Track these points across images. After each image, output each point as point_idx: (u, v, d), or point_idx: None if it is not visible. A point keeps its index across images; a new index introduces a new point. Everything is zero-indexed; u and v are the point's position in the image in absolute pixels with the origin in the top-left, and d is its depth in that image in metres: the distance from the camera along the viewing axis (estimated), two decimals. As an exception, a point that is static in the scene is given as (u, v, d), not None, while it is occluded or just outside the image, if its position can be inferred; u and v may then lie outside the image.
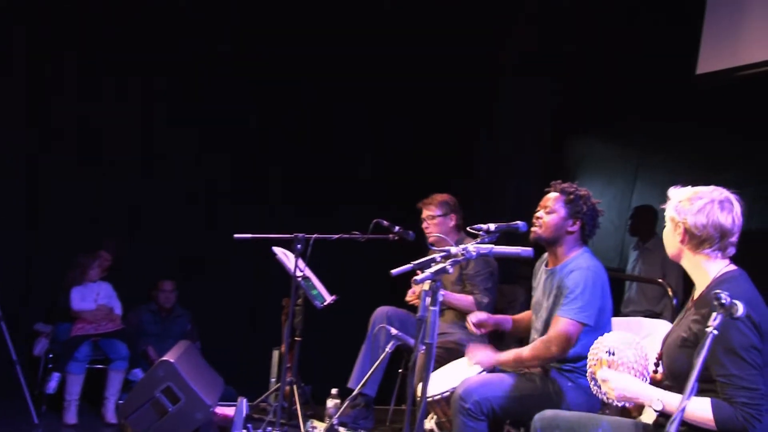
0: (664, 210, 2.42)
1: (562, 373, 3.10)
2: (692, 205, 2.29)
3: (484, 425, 2.99)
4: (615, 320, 3.54)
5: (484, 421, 2.99)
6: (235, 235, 4.07)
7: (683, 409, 1.85)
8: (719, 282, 2.26)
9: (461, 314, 3.98)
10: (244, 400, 3.94)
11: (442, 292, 3.50)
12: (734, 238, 2.31)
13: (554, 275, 3.16)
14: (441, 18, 5.67)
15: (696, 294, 2.36)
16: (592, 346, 2.48)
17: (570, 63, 5.47)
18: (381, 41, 5.66)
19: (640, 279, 5.22)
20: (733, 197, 2.32)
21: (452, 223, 4.20)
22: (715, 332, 1.88)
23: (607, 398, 2.33)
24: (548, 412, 2.62)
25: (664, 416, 2.24)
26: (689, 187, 2.39)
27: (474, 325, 3.31)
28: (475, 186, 5.59)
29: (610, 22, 5.27)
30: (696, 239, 2.30)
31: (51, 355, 4.81)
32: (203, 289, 5.52)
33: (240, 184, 5.69)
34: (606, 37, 5.30)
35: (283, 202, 5.71)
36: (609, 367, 2.34)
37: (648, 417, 2.44)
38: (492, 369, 3.25)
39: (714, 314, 1.91)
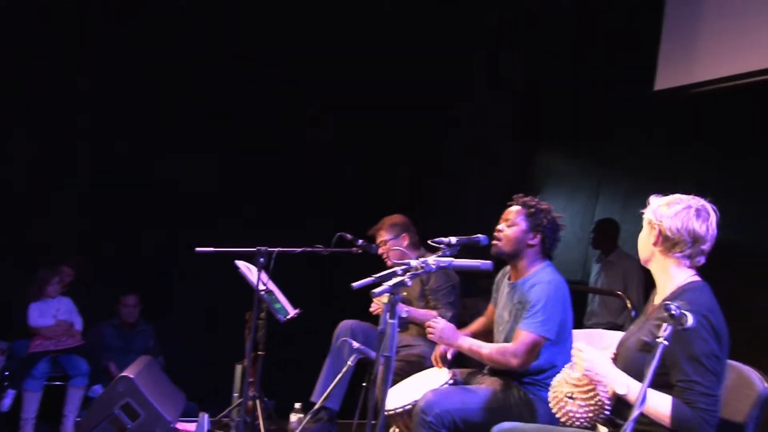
0: (632, 221, 2.48)
1: (524, 386, 3.12)
2: (669, 209, 2.37)
3: (446, 438, 3.00)
4: (576, 332, 3.57)
5: (446, 435, 3.00)
6: (197, 249, 4.03)
7: (642, 409, 1.88)
8: (683, 290, 2.33)
9: (424, 328, 3.99)
10: (206, 416, 3.91)
11: (406, 308, 3.54)
12: (706, 247, 2.38)
13: (516, 289, 3.19)
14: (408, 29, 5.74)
15: (658, 299, 2.41)
16: (558, 375, 2.47)
17: (532, 78, 5.55)
18: (347, 45, 5.69)
19: (600, 291, 5.30)
20: (710, 207, 2.40)
21: (405, 243, 4.20)
22: (666, 343, 1.92)
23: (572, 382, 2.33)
24: (506, 424, 2.64)
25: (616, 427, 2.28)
26: (671, 195, 2.47)
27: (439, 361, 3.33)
28: (439, 200, 5.63)
29: (572, 37, 5.37)
30: (669, 242, 2.36)
31: (7, 372, 4.71)
32: (166, 303, 5.48)
33: (203, 197, 5.65)
34: (568, 52, 5.39)
35: (248, 214, 5.68)
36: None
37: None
38: (454, 381, 3.27)
39: (664, 325, 1.95)
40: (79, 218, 5.47)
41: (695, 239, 2.35)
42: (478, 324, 3.55)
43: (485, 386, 3.18)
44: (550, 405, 2.42)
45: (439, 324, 3.16)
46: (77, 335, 4.92)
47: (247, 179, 5.71)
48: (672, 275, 2.38)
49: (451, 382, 3.24)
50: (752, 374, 2.43)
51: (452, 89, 5.71)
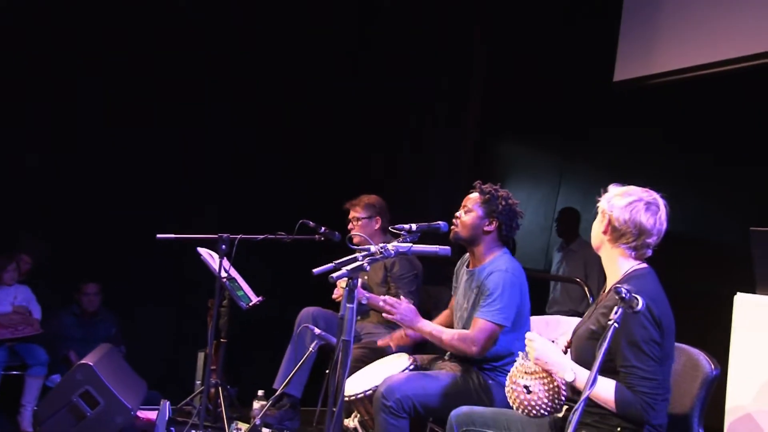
0: (592, 211, 2.53)
1: (483, 372, 3.17)
2: (621, 200, 2.42)
3: (406, 423, 3.04)
4: (534, 319, 3.65)
5: (406, 419, 3.04)
6: (158, 236, 4.00)
7: (588, 393, 1.93)
8: (629, 278, 2.39)
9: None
10: (167, 403, 3.87)
11: (366, 294, 3.56)
12: (652, 240, 2.43)
13: (474, 276, 3.23)
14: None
15: (607, 288, 2.47)
16: (513, 367, 2.50)
17: (496, 70, 5.60)
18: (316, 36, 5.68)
19: (561, 279, 5.39)
20: (661, 202, 2.46)
21: (377, 226, 4.24)
22: (616, 325, 1.98)
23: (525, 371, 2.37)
24: (464, 408, 2.69)
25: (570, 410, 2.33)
26: (618, 187, 2.52)
27: (397, 347, 3.37)
28: (402, 188, 5.65)
29: (535, 28, 5.43)
30: (616, 232, 2.42)
31: None
32: (128, 291, 5.37)
33: (165, 183, 5.57)
34: (530, 45, 5.45)
35: (209, 201, 5.60)
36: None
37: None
38: (415, 366, 3.30)
39: (615, 308, 2.00)
40: (39, 204, 5.32)
41: (641, 232, 2.40)
42: (442, 316, 3.58)
43: (445, 372, 3.23)
44: (508, 398, 2.46)
45: (400, 305, 3.16)
46: (36, 324, 4.83)
47: (209, 165, 5.65)
48: (619, 265, 2.45)
49: (411, 367, 3.29)
50: (700, 357, 2.51)
51: (419, 80, 5.73)
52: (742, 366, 2.90)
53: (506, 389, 2.44)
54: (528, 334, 2.41)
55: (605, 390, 2.26)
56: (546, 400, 2.33)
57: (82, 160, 5.42)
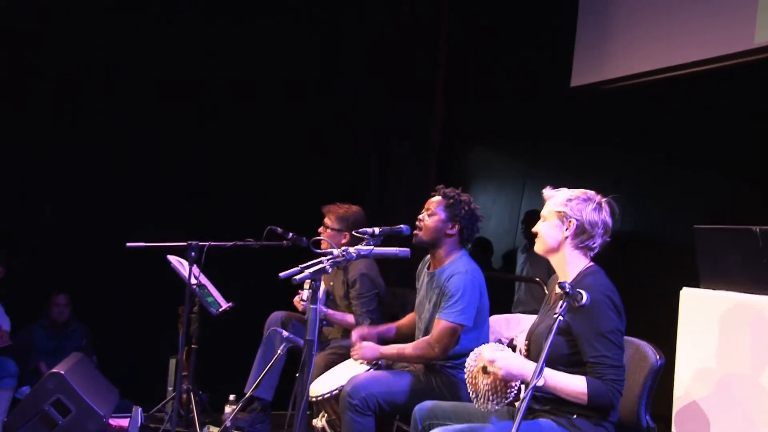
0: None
1: (444, 370, 3.28)
2: (587, 205, 2.55)
3: (371, 420, 3.14)
4: (495, 317, 3.78)
5: (371, 416, 3.13)
6: (128, 244, 4.05)
7: (535, 384, 2.06)
8: (584, 275, 2.53)
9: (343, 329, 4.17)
10: (139, 410, 3.93)
11: (325, 310, 3.65)
12: (608, 237, 2.60)
13: (435, 278, 3.33)
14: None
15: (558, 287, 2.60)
16: (470, 357, 2.62)
17: (459, 77, 5.73)
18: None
19: (524, 279, 5.53)
20: (609, 201, 2.63)
21: (344, 240, 4.17)
22: (561, 318, 2.10)
23: (493, 381, 2.46)
24: (427, 403, 2.79)
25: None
26: (564, 189, 2.65)
27: (358, 340, 3.47)
28: (369, 192, 5.75)
29: (496, 36, 5.57)
30: (585, 234, 2.56)
31: None
32: (97, 301, 5.39)
33: (131, 191, 5.60)
34: (492, 51, 5.59)
35: (178, 208, 5.64)
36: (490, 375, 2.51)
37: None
38: (378, 366, 3.40)
39: (560, 302, 2.13)
40: (6, 215, 5.31)
41: (606, 230, 2.57)
42: (408, 318, 3.68)
43: (408, 370, 3.34)
44: (469, 389, 2.58)
45: (359, 350, 3.38)
46: (5, 336, 4.82)
47: (178, 174, 5.67)
48: (575, 264, 2.58)
49: (375, 367, 3.39)
50: (647, 348, 2.65)
51: (384, 87, 5.83)
52: (689, 356, 3.05)
53: (467, 380, 2.56)
54: (489, 357, 2.45)
55: (577, 385, 2.38)
56: (496, 393, 2.46)
57: (49, 169, 5.42)
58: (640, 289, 3.94)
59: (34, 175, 5.40)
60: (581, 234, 2.56)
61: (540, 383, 2.36)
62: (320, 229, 4.31)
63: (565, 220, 2.57)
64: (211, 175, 5.70)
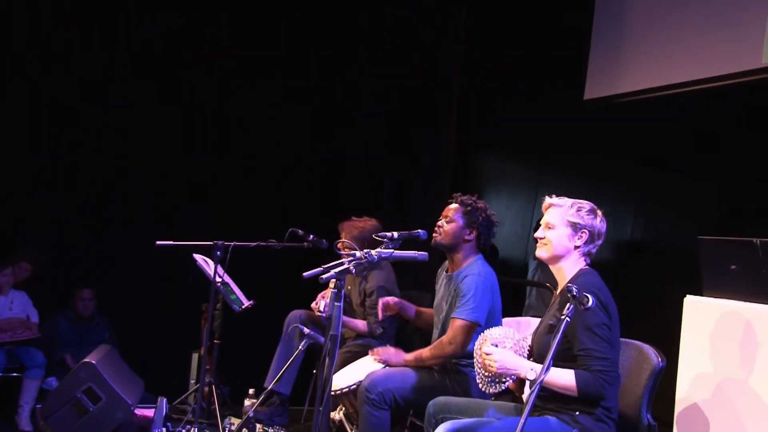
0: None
1: (457, 367, 3.44)
2: (596, 216, 2.76)
3: (387, 414, 3.31)
4: (508, 319, 3.94)
5: (387, 411, 3.31)
6: (158, 242, 4.21)
7: (542, 380, 2.23)
8: (578, 276, 2.71)
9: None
10: (164, 400, 4.09)
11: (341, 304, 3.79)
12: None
13: (452, 280, 3.50)
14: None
15: (559, 289, 2.77)
16: (478, 340, 2.83)
17: (475, 90, 5.89)
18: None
19: (534, 284, 5.66)
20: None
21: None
22: (568, 319, 2.27)
23: (486, 371, 2.66)
24: (441, 399, 2.97)
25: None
26: (565, 198, 2.81)
27: (382, 307, 3.62)
28: (388, 198, 5.92)
29: (512, 49, 5.72)
30: (591, 243, 2.75)
31: None
32: (121, 296, 5.53)
33: (158, 188, 5.75)
34: (509, 63, 5.74)
35: (202, 205, 5.78)
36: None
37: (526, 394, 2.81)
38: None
39: (568, 304, 2.29)
40: (36, 212, 5.45)
41: (602, 237, 2.78)
42: (429, 310, 3.83)
43: (424, 368, 3.50)
44: (476, 373, 2.76)
45: (386, 351, 3.55)
46: (34, 328, 4.96)
47: (201, 173, 5.83)
48: (574, 268, 2.76)
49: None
50: (650, 351, 2.81)
51: (404, 101, 5.98)
52: (690, 361, 3.20)
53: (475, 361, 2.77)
54: (485, 349, 2.69)
55: (566, 378, 2.56)
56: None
57: (77, 167, 5.56)
58: (646, 296, 4.10)
59: (62, 173, 5.56)
60: (589, 243, 2.74)
61: (531, 377, 2.55)
62: (339, 245, 4.46)
63: (577, 230, 2.73)
64: (233, 178, 5.89)
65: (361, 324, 4.30)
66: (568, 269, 2.76)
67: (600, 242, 2.78)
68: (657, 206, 4.60)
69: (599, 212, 2.80)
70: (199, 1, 5.77)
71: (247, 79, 5.88)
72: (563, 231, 2.75)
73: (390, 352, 3.56)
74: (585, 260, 2.77)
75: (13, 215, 5.36)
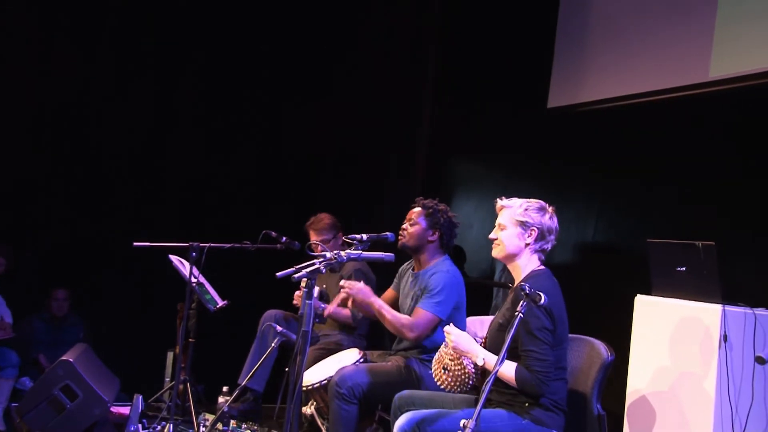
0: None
1: (423, 363, 3.61)
2: (544, 213, 2.90)
3: (356, 408, 3.46)
4: (470, 319, 4.11)
5: (356, 405, 3.46)
6: (135, 243, 4.33)
7: (496, 372, 2.40)
8: (531, 276, 2.87)
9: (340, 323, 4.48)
10: (140, 397, 4.16)
11: (329, 307, 3.95)
12: (555, 241, 2.96)
13: (418, 278, 3.68)
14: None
15: (515, 286, 2.95)
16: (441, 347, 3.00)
17: (445, 95, 6.09)
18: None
19: (499, 285, 5.86)
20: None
21: (340, 242, 4.60)
22: (521, 315, 2.44)
23: (446, 347, 2.87)
24: (406, 392, 3.14)
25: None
26: (515, 198, 2.97)
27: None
28: (359, 202, 6.07)
29: (480, 56, 5.92)
30: (542, 240, 2.90)
31: None
32: (96, 295, 5.61)
33: (133, 188, 5.82)
34: (477, 74, 5.94)
35: (179, 207, 5.88)
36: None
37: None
38: (364, 359, 3.73)
39: (521, 302, 2.47)
40: (10, 212, 5.49)
41: (556, 235, 2.95)
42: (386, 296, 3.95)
43: (390, 364, 3.67)
44: (432, 374, 2.94)
45: (357, 287, 3.55)
46: (8, 328, 4.97)
47: (177, 175, 5.93)
48: (528, 266, 2.93)
49: (361, 360, 3.71)
50: (600, 346, 3.01)
51: (377, 106, 6.14)
52: (641, 355, 3.42)
53: (433, 370, 2.96)
54: (446, 328, 2.89)
55: (508, 370, 2.75)
56: (457, 379, 2.85)
57: (52, 168, 5.61)
58: (604, 295, 4.31)
59: (39, 172, 5.60)
60: (540, 240, 2.90)
61: (480, 363, 2.75)
62: (313, 246, 4.60)
63: (527, 228, 2.89)
64: (209, 180, 6.00)
65: (344, 311, 4.41)
66: (523, 266, 2.93)
67: (552, 238, 2.91)
68: (617, 210, 4.81)
69: (549, 209, 2.93)
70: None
71: (227, 82, 6.00)
72: (513, 230, 2.90)
73: (362, 288, 3.56)
74: (538, 257, 2.93)
75: None
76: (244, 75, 6.05)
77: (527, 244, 2.90)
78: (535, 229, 2.89)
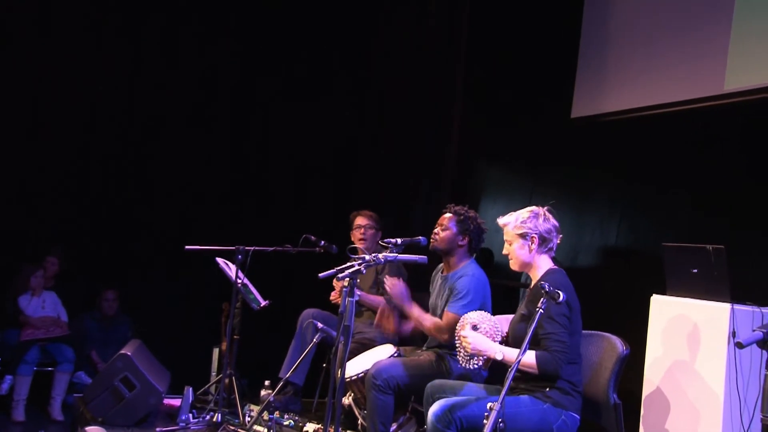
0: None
1: (453, 358, 3.88)
2: (537, 219, 3.17)
3: (392, 398, 3.75)
4: (497, 317, 4.37)
5: (392, 395, 3.74)
6: (186, 247, 4.64)
7: (519, 360, 2.68)
8: (546, 275, 3.16)
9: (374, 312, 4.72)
10: (190, 389, 4.50)
11: (358, 292, 4.26)
12: (561, 236, 3.24)
13: (447, 280, 3.96)
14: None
15: (531, 286, 3.23)
16: (459, 322, 3.27)
17: (475, 104, 6.33)
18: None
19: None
20: (548, 208, 3.25)
21: (378, 238, 4.92)
22: (542, 311, 2.72)
23: (465, 351, 3.13)
24: (437, 381, 3.44)
25: None
26: (511, 213, 3.27)
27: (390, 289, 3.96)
28: (392, 207, 6.32)
29: (507, 67, 6.16)
30: (545, 243, 3.17)
31: (0, 359, 5.05)
32: (144, 296, 5.88)
33: (180, 195, 6.06)
34: (504, 85, 6.18)
35: (227, 210, 6.14)
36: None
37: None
38: (398, 354, 4.01)
39: (542, 300, 2.75)
40: (64, 217, 5.74)
41: (557, 231, 3.22)
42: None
43: (423, 358, 3.94)
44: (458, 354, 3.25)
45: (399, 283, 3.88)
46: (64, 326, 5.29)
47: (221, 180, 6.20)
48: (542, 267, 3.20)
49: (396, 354, 4.00)
50: (617, 341, 3.27)
51: (410, 117, 6.40)
52: (656, 350, 3.66)
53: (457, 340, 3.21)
54: (462, 332, 3.17)
55: (527, 358, 3.01)
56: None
57: (102, 176, 5.90)
58: (624, 295, 4.53)
59: (91, 178, 5.90)
60: (543, 243, 3.17)
61: (499, 357, 3.01)
62: (355, 233, 4.89)
63: (527, 238, 3.17)
64: (251, 186, 6.32)
65: (379, 299, 4.67)
66: (538, 269, 3.22)
67: (555, 236, 3.17)
68: (638, 214, 5.01)
69: (542, 212, 3.20)
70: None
71: (263, 88, 6.28)
72: (517, 243, 3.22)
73: (400, 286, 3.89)
74: (549, 256, 3.21)
75: (41, 221, 5.69)
76: (273, 82, 6.32)
77: (533, 251, 3.17)
78: (534, 236, 3.18)
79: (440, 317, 3.91)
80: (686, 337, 3.51)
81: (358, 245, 4.83)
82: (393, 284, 3.88)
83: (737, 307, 3.33)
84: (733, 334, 3.27)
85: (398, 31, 6.50)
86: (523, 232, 3.19)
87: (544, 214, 3.20)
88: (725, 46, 4.26)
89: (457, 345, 3.26)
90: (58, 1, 5.70)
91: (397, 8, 6.54)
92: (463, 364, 3.23)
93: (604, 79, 5.18)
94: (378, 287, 4.81)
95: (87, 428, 4.10)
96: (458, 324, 3.30)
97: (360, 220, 4.97)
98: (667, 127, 4.81)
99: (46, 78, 5.67)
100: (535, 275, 3.24)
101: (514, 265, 3.26)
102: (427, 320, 3.86)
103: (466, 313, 3.73)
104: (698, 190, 4.54)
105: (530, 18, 5.92)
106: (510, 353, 3.04)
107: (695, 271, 3.47)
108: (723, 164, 4.38)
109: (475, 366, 3.15)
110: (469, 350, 3.12)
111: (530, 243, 3.18)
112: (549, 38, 5.75)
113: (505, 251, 3.27)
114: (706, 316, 3.43)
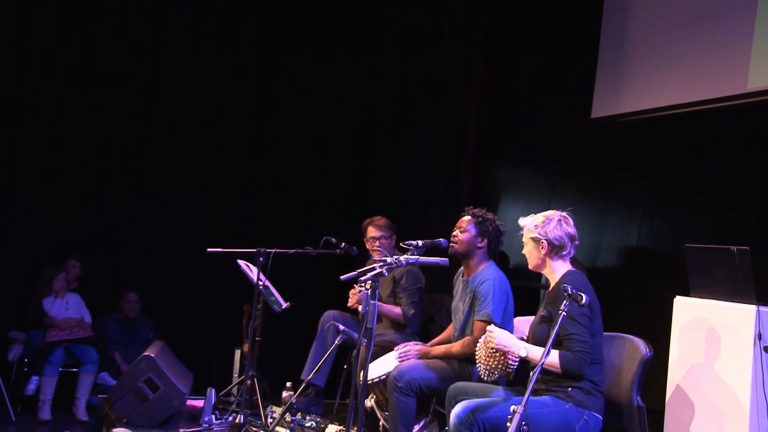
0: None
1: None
2: (549, 225, 3.19)
3: (414, 400, 3.77)
4: (518, 319, 4.38)
5: (414, 397, 3.76)
6: (209, 249, 4.69)
7: (543, 362, 2.69)
8: (565, 277, 3.17)
9: (395, 321, 4.77)
10: (213, 390, 4.54)
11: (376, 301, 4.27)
12: (577, 242, 3.25)
13: (468, 284, 3.96)
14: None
15: (551, 288, 3.23)
16: (481, 339, 3.29)
17: (492, 105, 6.33)
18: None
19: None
20: (567, 214, 3.26)
21: (393, 243, 4.95)
22: (564, 314, 2.72)
23: (489, 346, 3.15)
24: (458, 384, 3.45)
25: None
26: (531, 215, 3.29)
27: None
28: (410, 210, 6.34)
29: (526, 67, 6.15)
30: (556, 248, 3.18)
31: (26, 360, 5.15)
32: (167, 298, 5.93)
33: (202, 195, 6.11)
34: (522, 84, 6.17)
35: (247, 211, 6.20)
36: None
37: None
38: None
39: (564, 302, 2.75)
40: (86, 221, 5.83)
41: (571, 239, 3.22)
42: (443, 334, 4.28)
43: (444, 361, 3.96)
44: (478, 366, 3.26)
45: (411, 349, 3.99)
46: (88, 327, 5.36)
47: (240, 183, 6.25)
48: (559, 271, 3.23)
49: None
50: (640, 343, 3.26)
51: (424, 119, 6.42)
52: (679, 352, 3.64)
53: (477, 361, 3.24)
54: (489, 327, 3.21)
55: (551, 357, 3.03)
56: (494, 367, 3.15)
57: (124, 175, 5.95)
58: (646, 296, 4.51)
59: (108, 185, 5.96)
60: (554, 249, 3.19)
61: (523, 354, 3.04)
62: (370, 245, 4.90)
63: (538, 243, 3.22)
64: (270, 189, 6.37)
65: (396, 309, 4.72)
66: (552, 272, 3.26)
67: (567, 243, 3.19)
68: (659, 215, 4.98)
69: (557, 218, 3.23)
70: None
71: (282, 89, 6.34)
72: (530, 246, 3.30)
73: (410, 352, 3.99)
74: (565, 261, 3.22)
75: (63, 225, 5.76)
76: (292, 85, 6.37)
77: (543, 255, 3.22)
78: (544, 242, 3.21)
79: (464, 322, 3.90)
80: (710, 340, 3.48)
81: (374, 255, 4.83)
82: (404, 353, 3.99)
83: (763, 308, 3.30)
84: (759, 336, 3.24)
85: (414, 28, 6.51)
86: (535, 237, 3.25)
87: (559, 220, 3.23)
88: (748, 44, 4.22)
89: (476, 358, 3.26)
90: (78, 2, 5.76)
91: (412, 5, 6.55)
92: (483, 377, 3.25)
93: (625, 78, 5.15)
94: (396, 296, 4.81)
95: (114, 430, 4.15)
96: (480, 341, 3.31)
97: (372, 231, 4.89)
98: (688, 126, 4.77)
99: (70, 81, 5.74)
100: (553, 278, 3.27)
101: (529, 266, 3.34)
102: (454, 347, 3.89)
103: (493, 319, 3.74)
104: (720, 190, 4.50)
105: (549, 17, 5.90)
106: (534, 351, 3.07)
107: (719, 272, 3.44)
108: (746, 164, 4.34)
109: (494, 377, 3.18)
110: (494, 345, 3.12)
111: (540, 248, 3.23)
112: (568, 38, 5.73)
113: (523, 251, 3.33)
114: (731, 318, 3.40)
